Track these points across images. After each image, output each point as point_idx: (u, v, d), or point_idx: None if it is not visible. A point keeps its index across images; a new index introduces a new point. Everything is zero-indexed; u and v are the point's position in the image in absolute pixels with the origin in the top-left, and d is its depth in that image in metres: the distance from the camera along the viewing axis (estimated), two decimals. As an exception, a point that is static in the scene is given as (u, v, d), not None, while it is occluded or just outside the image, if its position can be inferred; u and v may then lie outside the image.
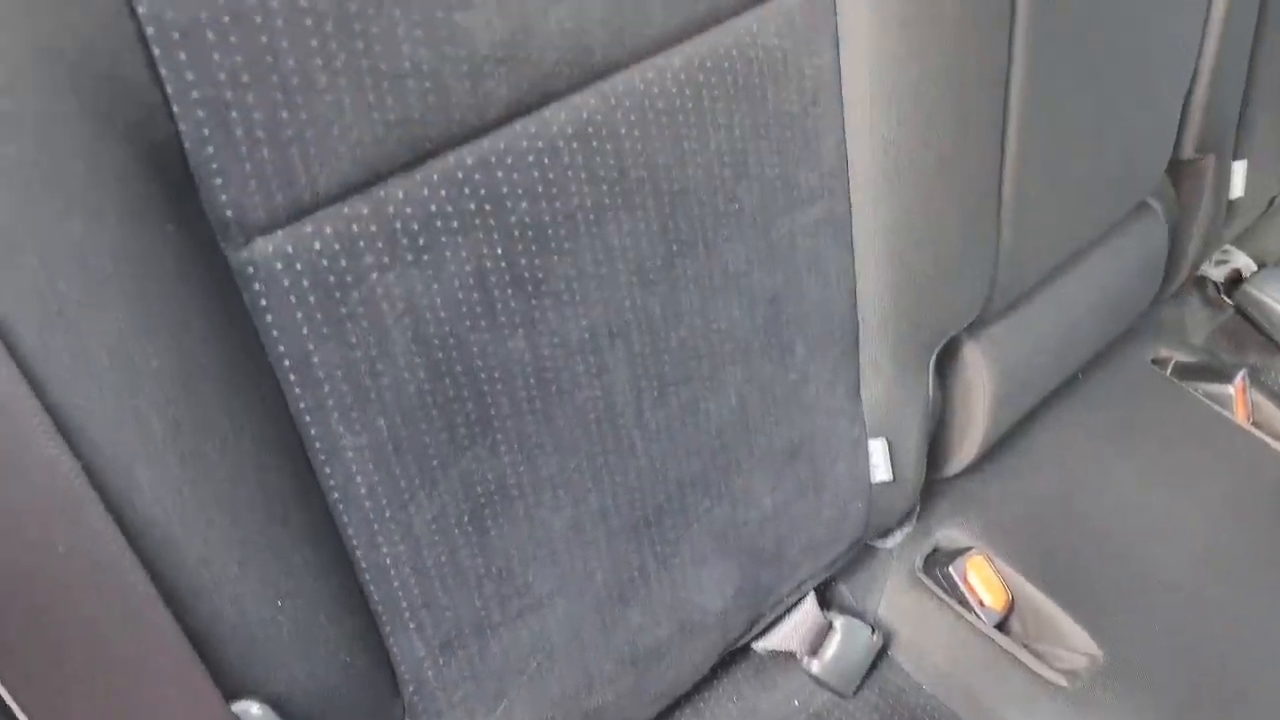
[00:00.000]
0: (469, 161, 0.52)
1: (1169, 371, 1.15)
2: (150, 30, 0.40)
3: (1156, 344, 1.17)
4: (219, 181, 0.45)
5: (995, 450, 1.01)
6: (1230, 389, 1.10)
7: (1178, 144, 1.02)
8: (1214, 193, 1.08)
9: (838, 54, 0.67)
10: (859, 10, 0.66)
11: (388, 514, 0.56)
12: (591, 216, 0.58)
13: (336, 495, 0.54)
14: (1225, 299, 1.31)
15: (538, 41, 0.52)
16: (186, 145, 0.43)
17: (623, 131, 0.58)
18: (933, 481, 0.98)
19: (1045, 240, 0.88)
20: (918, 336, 0.81)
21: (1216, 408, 1.09)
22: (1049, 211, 0.86)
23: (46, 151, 0.39)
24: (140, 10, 0.40)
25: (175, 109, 0.42)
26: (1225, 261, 1.32)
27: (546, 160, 0.55)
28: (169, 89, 0.42)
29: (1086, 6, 0.80)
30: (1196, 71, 0.99)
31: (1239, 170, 1.10)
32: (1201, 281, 1.31)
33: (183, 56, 0.41)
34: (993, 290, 0.84)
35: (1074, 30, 0.80)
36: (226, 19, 0.42)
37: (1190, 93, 1.00)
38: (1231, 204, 1.13)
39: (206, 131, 0.43)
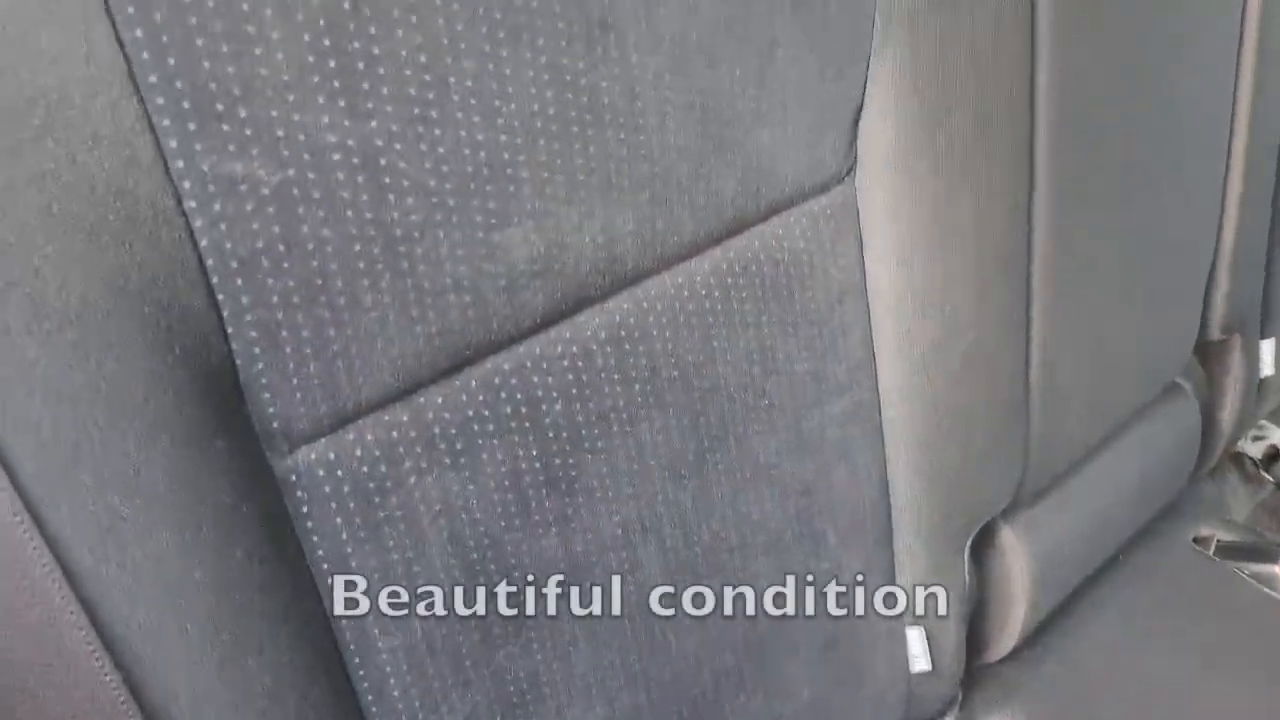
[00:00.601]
0: (506, 367, 0.54)
1: (1211, 551, 1.13)
2: (210, 261, 0.43)
3: (1197, 523, 1.16)
4: (267, 396, 0.47)
5: (1037, 634, 0.99)
6: (1276, 569, 1.08)
7: (1204, 325, 1.03)
8: (1244, 372, 1.09)
9: (861, 253, 0.69)
10: (880, 213, 0.68)
11: (420, 716, 0.56)
12: (624, 415, 0.60)
13: (370, 698, 0.54)
14: (1265, 475, 1.30)
15: (572, 254, 0.55)
16: (238, 363, 0.45)
17: (654, 333, 0.60)
18: (974, 668, 0.96)
19: (1075, 425, 0.89)
20: (951, 524, 0.81)
21: (1263, 588, 1.07)
22: (1078, 397, 0.87)
23: (108, 377, 0.41)
24: (202, 243, 0.43)
25: (229, 330, 0.45)
26: (1262, 438, 1.31)
27: (581, 363, 0.57)
28: (224, 313, 0.44)
29: (1102, 195, 0.83)
30: (1216, 254, 1.01)
31: (1268, 349, 1.11)
32: (1239, 458, 1.31)
33: (239, 283, 0.44)
34: (1025, 476, 0.85)
35: (1092, 220, 0.82)
36: (282, 247, 0.45)
37: (1212, 275, 1.01)
38: (1263, 382, 1.13)
39: (258, 350, 0.46)
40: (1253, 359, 1.10)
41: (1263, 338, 1.11)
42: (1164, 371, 1.01)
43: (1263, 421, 1.31)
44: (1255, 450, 1.30)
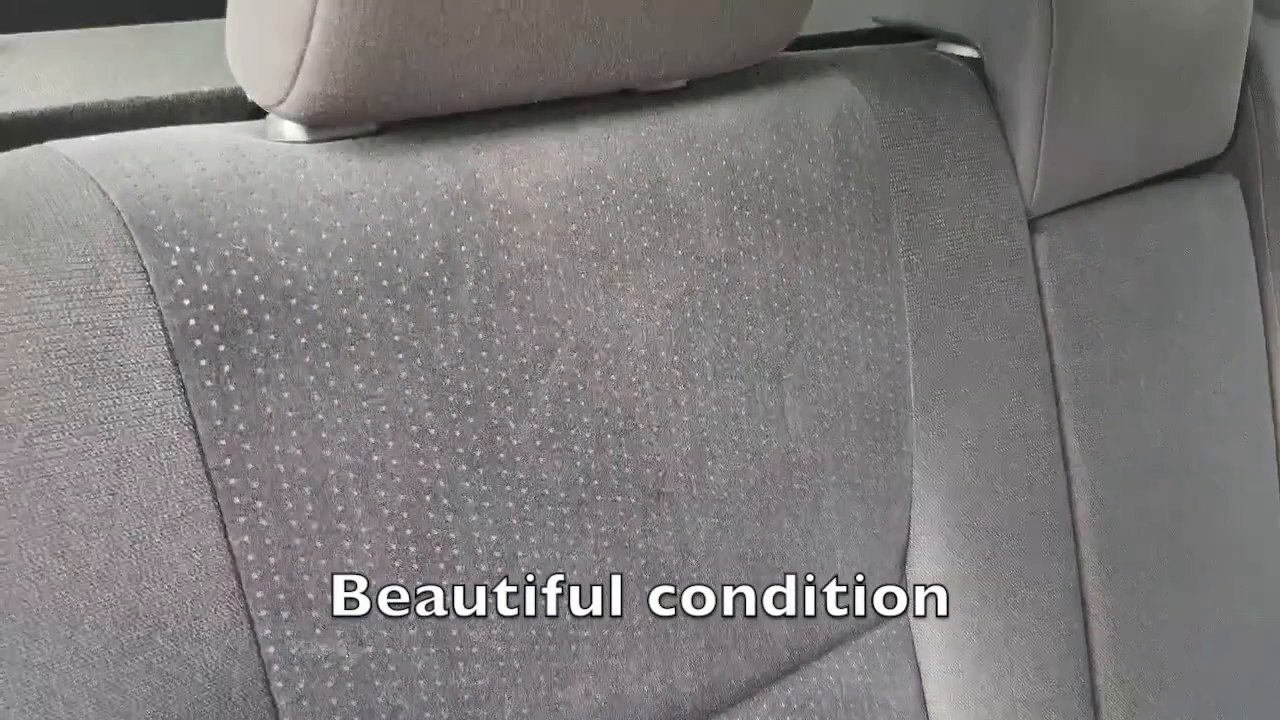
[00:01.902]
0: None
1: None
2: (278, 681, 0.46)
3: None
4: None
5: None
6: None
7: None
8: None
9: (920, 684, 0.70)
10: (938, 645, 0.70)
11: None
12: None
13: None
14: None
15: (631, 704, 0.57)
16: None
17: (715, 777, 0.61)
18: None
19: None
20: None
21: None
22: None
23: None
24: (268, 650, 0.46)
25: None
26: None
27: None
28: None
29: (1159, 608, 0.83)
30: None
31: None
32: None
33: (305, 704, 0.47)
34: None
35: (1152, 644, 0.82)
36: (346, 668, 0.48)
37: None
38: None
39: None
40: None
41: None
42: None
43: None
44: None
